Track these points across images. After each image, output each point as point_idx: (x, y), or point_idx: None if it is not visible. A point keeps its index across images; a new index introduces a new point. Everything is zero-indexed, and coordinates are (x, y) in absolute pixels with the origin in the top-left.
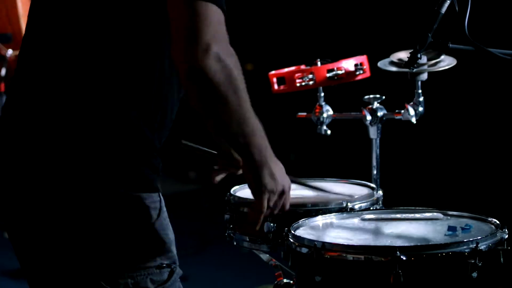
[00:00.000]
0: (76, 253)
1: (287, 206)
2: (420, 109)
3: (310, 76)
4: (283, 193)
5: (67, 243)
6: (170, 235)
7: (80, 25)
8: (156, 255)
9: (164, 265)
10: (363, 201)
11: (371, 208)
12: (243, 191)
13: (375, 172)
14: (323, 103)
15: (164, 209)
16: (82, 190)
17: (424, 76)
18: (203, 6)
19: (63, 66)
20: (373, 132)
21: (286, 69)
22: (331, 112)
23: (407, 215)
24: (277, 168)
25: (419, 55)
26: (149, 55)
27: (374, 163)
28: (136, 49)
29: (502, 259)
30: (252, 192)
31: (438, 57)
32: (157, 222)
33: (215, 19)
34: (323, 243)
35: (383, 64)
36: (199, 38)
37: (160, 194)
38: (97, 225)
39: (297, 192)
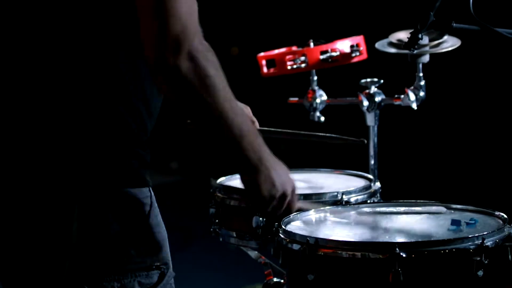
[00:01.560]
0: (57, 255)
1: (293, 209)
2: (421, 94)
3: (302, 58)
4: (284, 197)
5: (48, 243)
6: (163, 233)
7: (60, 20)
8: (145, 255)
9: (154, 266)
10: (360, 194)
11: (368, 201)
12: (230, 183)
13: (372, 162)
14: (316, 88)
15: (156, 204)
16: (65, 186)
17: (426, 58)
18: None
19: (41, 61)
20: (370, 119)
21: (276, 51)
22: (325, 97)
23: (407, 208)
24: (276, 171)
25: (420, 36)
26: (130, 48)
27: (372, 152)
28: (116, 42)
29: (510, 256)
30: (250, 198)
31: (441, 37)
32: (148, 219)
33: (184, 10)
34: (317, 239)
35: (381, 45)
36: (167, 34)
37: (151, 189)
38: (81, 223)
39: None
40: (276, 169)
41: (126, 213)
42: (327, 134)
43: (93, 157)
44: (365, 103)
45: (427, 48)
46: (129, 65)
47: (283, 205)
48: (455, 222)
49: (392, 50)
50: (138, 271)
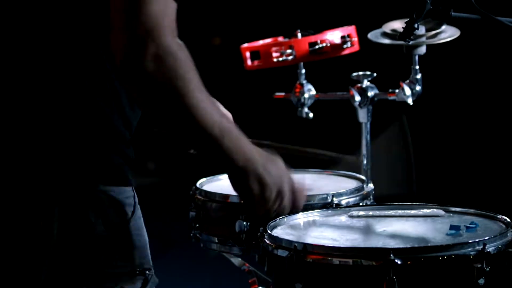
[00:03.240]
0: (36, 255)
1: (299, 205)
2: (418, 88)
3: (289, 50)
4: (280, 196)
5: (26, 243)
6: (145, 236)
7: (44, 20)
8: (129, 259)
9: (138, 271)
10: (351, 196)
11: (361, 204)
12: (211, 185)
13: (365, 161)
14: (304, 82)
15: (138, 206)
16: (45, 184)
17: (422, 50)
18: None
19: (21, 58)
20: (362, 115)
21: (261, 42)
22: (313, 92)
23: (402, 211)
24: (266, 169)
25: (416, 25)
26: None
27: (364, 151)
28: (101, 40)
29: None
30: (244, 203)
31: (439, 27)
32: (131, 221)
33: (156, 9)
34: (305, 244)
35: (374, 35)
36: (134, 32)
37: (134, 189)
38: (62, 223)
39: None
40: (267, 166)
41: (109, 213)
42: (318, 151)
43: (75, 153)
44: (357, 98)
45: (423, 39)
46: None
47: (283, 202)
48: (454, 227)
49: (386, 41)
50: (121, 275)
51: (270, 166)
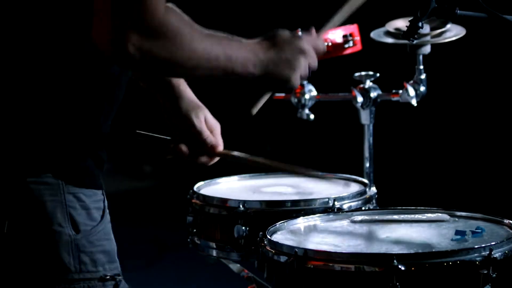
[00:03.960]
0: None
1: (315, 63)
2: (422, 88)
3: None
4: (303, 55)
5: None
6: (113, 241)
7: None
8: (99, 264)
9: (108, 276)
10: (353, 200)
11: (363, 208)
12: (209, 188)
13: (367, 164)
14: (304, 82)
15: (107, 211)
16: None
17: (427, 49)
18: None
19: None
20: (365, 117)
21: None
22: (314, 92)
23: (406, 216)
24: (276, 50)
25: (420, 24)
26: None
27: (367, 154)
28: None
29: None
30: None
31: (444, 26)
32: (99, 226)
33: None
34: (306, 250)
35: (377, 34)
36: (117, 15)
37: (104, 193)
38: (24, 226)
39: (274, 188)
40: (279, 53)
41: (78, 216)
42: (326, 175)
43: (45, 154)
44: (359, 99)
45: (428, 38)
46: (91, 62)
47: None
48: (459, 232)
49: (390, 40)
50: (91, 280)
51: (277, 44)
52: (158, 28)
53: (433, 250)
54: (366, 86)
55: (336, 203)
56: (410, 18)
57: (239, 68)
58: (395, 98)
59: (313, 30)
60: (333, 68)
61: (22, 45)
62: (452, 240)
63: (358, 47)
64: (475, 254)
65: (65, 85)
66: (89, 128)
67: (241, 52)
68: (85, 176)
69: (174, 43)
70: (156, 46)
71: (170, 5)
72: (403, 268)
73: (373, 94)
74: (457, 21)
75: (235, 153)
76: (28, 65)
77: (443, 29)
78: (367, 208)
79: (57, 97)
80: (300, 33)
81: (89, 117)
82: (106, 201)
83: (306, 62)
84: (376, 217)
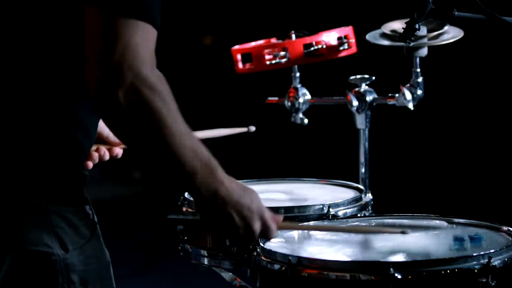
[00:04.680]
0: None
1: (271, 234)
2: (419, 92)
3: (283, 52)
4: (263, 223)
5: None
6: (107, 255)
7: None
8: (88, 284)
9: None
10: (349, 207)
11: (359, 215)
12: None
13: (363, 170)
14: (298, 86)
15: (97, 225)
16: None
17: (424, 52)
18: (121, 23)
19: None
20: (360, 121)
21: (252, 44)
22: (308, 96)
23: (402, 222)
24: (244, 201)
25: (417, 26)
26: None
27: (362, 159)
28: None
29: None
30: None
31: (441, 28)
32: (90, 242)
33: (135, 41)
34: (299, 258)
35: (372, 37)
36: (110, 62)
37: (91, 207)
38: (9, 249)
39: (267, 195)
40: (244, 199)
41: (64, 235)
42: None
43: (30, 174)
44: (355, 103)
45: (425, 40)
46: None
47: (267, 232)
48: (457, 239)
49: (386, 42)
50: None
51: (248, 198)
52: (152, 84)
53: (431, 258)
54: (362, 90)
55: (331, 209)
56: (406, 20)
57: (201, 188)
58: (391, 102)
59: (281, 217)
60: (328, 71)
61: (9, 63)
62: (450, 247)
63: (353, 49)
64: (474, 262)
65: (44, 104)
66: (69, 145)
67: (208, 176)
68: (68, 194)
69: (160, 111)
70: (147, 101)
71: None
72: (399, 277)
73: (368, 98)
74: (455, 22)
75: None
76: (8, 85)
77: (440, 31)
78: (362, 215)
79: (36, 116)
80: (293, 36)
81: (68, 133)
82: (95, 216)
83: (258, 225)
84: (372, 224)
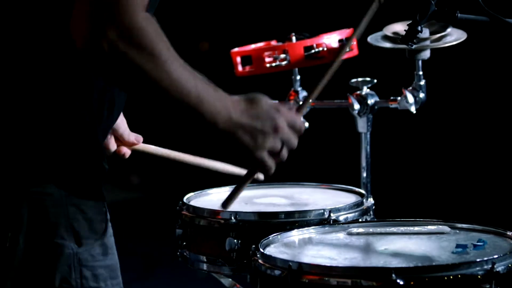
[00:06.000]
0: None
1: (301, 128)
2: (421, 95)
3: (283, 55)
4: (276, 131)
5: None
6: (116, 256)
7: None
8: (99, 280)
9: None
10: (350, 211)
11: (360, 220)
12: (199, 200)
13: (364, 174)
14: (299, 89)
15: (110, 224)
16: (10, 193)
17: (426, 54)
18: None
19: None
20: (362, 125)
21: (252, 46)
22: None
23: (405, 228)
24: (251, 114)
25: (419, 28)
26: None
27: (364, 163)
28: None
29: None
30: (247, 162)
31: (444, 30)
32: (102, 240)
33: None
34: (300, 264)
35: (374, 39)
36: (95, 11)
37: (106, 205)
38: (26, 238)
39: (267, 199)
40: (250, 112)
41: (79, 228)
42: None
43: (49, 166)
44: (356, 106)
45: (427, 43)
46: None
47: (285, 138)
48: (460, 245)
49: (387, 44)
50: None
51: (254, 110)
52: (135, 32)
53: (433, 263)
54: (363, 93)
55: (332, 214)
56: (409, 22)
57: (206, 115)
58: (393, 105)
59: (294, 107)
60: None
61: (16, 50)
62: (452, 253)
63: (355, 52)
64: (477, 268)
65: (63, 94)
66: (89, 137)
67: (214, 101)
68: (87, 187)
69: (150, 54)
70: (131, 50)
71: (150, 15)
72: (402, 283)
73: (370, 101)
74: (458, 25)
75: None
76: (25, 74)
77: (443, 33)
78: (364, 220)
79: (57, 106)
80: (294, 38)
81: (88, 125)
82: (108, 214)
83: (276, 142)
84: (374, 229)
